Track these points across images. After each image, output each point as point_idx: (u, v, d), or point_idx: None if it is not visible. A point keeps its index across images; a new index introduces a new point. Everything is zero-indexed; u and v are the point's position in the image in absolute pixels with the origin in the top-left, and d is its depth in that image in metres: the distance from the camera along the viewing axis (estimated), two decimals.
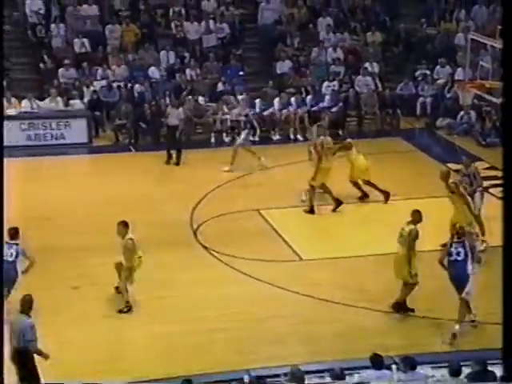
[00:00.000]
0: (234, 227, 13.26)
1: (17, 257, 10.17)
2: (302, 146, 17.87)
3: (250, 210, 13.97)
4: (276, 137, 18.61)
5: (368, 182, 14.18)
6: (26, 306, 8.35)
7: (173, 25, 20.75)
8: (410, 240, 10.34)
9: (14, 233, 10.39)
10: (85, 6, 20.65)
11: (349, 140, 14.70)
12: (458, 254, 10.02)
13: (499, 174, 15.90)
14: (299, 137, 18.50)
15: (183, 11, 21.05)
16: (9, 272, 9.75)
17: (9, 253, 10.08)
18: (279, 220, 13.49)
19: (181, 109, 17.18)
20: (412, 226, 10.40)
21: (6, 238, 9.71)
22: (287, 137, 18.56)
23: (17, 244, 10.29)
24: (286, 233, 12.99)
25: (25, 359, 8.19)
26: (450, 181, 12.18)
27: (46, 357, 8.41)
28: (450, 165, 16.00)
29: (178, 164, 16.41)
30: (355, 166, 14.12)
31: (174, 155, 16.48)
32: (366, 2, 21.79)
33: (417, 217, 10.48)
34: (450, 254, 10.08)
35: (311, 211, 13.73)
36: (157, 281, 11.18)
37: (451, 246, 10.15)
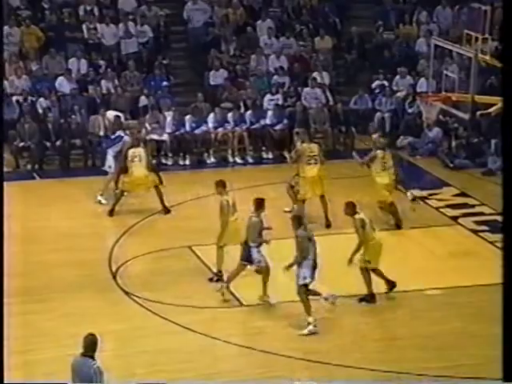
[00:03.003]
0: (162, 267, 13.30)
1: None
2: (241, 169, 18.13)
3: (180, 247, 14.04)
4: (210, 159, 18.79)
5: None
6: (91, 347, 8.22)
7: (84, 27, 20.79)
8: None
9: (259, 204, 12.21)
10: None
11: None
12: None
13: (469, 201, 16.43)
14: (238, 159, 18.73)
15: (96, 11, 21.13)
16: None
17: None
18: (215, 258, 13.57)
19: None
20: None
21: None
22: (224, 159, 18.77)
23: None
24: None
25: None
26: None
27: None
28: (414, 191, 16.43)
29: None
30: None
31: None
32: (312, 1, 22.29)
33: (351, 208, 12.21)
34: None
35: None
36: (71, 335, 11.09)
37: None
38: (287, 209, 14.97)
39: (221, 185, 12.78)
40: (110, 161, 16.40)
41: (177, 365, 10.74)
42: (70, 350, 10.81)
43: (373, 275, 12.24)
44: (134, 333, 11.53)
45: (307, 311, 11.44)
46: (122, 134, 16.70)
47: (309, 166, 14.87)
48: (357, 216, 12.13)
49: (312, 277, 11.43)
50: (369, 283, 12.20)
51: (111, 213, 15.44)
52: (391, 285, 12.34)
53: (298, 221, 11.66)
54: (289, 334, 11.55)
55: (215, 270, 12.94)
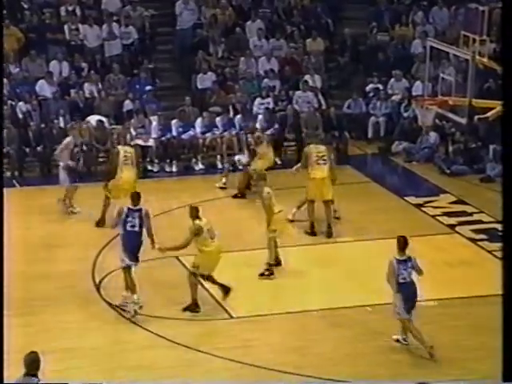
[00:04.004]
0: (148, 278, 13.29)
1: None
2: (230, 176, 18.13)
3: (166, 257, 14.04)
4: (198, 166, 18.80)
5: None
6: (33, 365, 8.21)
7: (66, 28, 20.81)
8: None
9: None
10: None
11: None
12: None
13: (467, 209, 16.51)
14: (227, 165, 18.74)
15: (78, 11, 21.16)
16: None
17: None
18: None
19: None
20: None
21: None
22: (212, 166, 18.77)
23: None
24: (212, 284, 13.10)
25: None
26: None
27: None
28: (409, 198, 16.51)
29: None
30: None
31: None
32: (304, 1, 22.38)
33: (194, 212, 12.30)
34: None
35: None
36: (51, 350, 11.10)
37: None
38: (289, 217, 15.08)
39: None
40: (61, 174, 15.96)
41: (162, 380, 10.73)
42: (49, 366, 10.83)
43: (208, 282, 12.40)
44: (119, 346, 11.53)
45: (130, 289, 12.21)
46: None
47: (318, 165, 14.88)
48: (196, 221, 12.23)
49: (131, 258, 12.19)
50: (194, 291, 12.25)
51: (99, 223, 15.20)
52: (226, 289, 12.42)
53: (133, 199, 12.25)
54: (279, 348, 11.58)
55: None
